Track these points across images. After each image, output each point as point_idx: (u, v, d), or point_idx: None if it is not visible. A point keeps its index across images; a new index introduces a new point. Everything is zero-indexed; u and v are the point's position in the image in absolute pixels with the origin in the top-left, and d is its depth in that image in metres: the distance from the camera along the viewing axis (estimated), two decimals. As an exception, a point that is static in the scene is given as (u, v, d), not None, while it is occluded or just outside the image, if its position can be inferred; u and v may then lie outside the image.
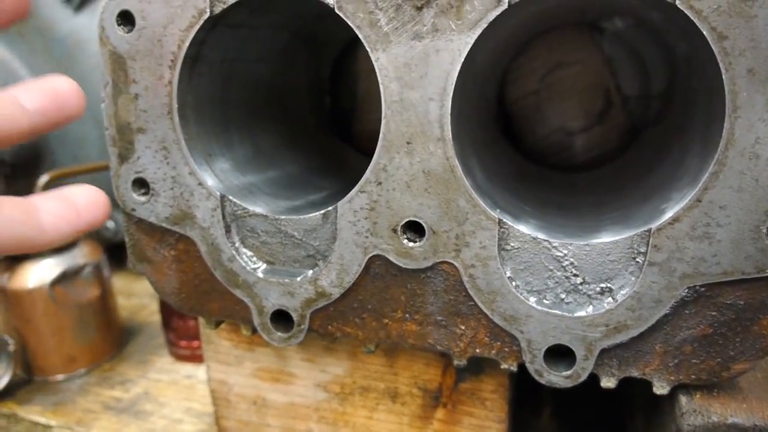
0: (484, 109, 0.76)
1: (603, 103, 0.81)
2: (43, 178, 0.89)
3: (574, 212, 0.60)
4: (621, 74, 0.80)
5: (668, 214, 0.47)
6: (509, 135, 0.86)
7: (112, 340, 0.95)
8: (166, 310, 0.92)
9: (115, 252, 1.04)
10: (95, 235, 1.09)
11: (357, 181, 0.53)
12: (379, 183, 0.52)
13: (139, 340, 1.00)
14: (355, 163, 0.84)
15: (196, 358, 0.92)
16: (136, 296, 1.13)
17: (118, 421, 0.81)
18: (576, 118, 0.83)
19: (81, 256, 0.90)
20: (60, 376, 0.91)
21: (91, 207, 0.48)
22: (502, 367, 0.54)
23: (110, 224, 1.13)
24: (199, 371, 0.91)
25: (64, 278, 0.87)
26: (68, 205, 0.47)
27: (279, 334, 0.59)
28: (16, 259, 0.87)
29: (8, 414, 0.84)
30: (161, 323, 0.94)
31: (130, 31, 0.56)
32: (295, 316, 0.58)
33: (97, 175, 1.05)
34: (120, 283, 1.10)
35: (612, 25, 0.78)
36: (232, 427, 0.74)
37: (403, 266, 0.53)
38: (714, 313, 0.48)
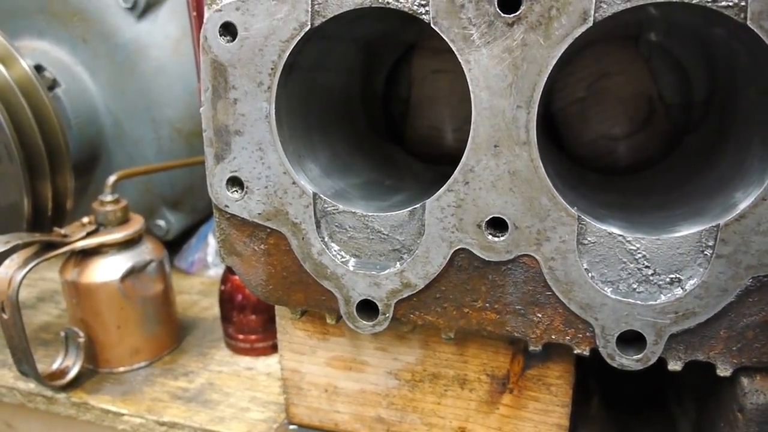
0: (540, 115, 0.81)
1: (646, 111, 0.87)
2: (112, 178, 0.93)
3: (637, 210, 0.65)
4: (663, 83, 0.86)
5: (735, 211, 0.52)
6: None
7: (172, 333, 0.99)
8: (225, 304, 0.96)
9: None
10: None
11: (418, 184, 0.57)
12: (467, 183, 0.57)
13: (196, 334, 1.04)
14: (411, 165, 0.90)
15: (253, 351, 0.97)
16: (186, 293, 1.18)
17: (188, 409, 0.85)
18: (620, 125, 0.88)
19: (147, 252, 0.94)
20: (123, 368, 0.95)
21: None
22: (575, 351, 0.59)
23: (161, 223, 1.18)
24: (258, 363, 0.95)
25: (132, 273, 0.92)
26: None
27: (364, 322, 0.64)
28: (85, 255, 0.92)
29: (79, 402, 0.88)
30: (220, 317, 0.99)
31: (231, 41, 0.61)
32: (380, 305, 0.63)
33: (153, 175, 1.10)
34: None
35: (657, 37, 0.83)
36: (301, 413, 0.78)
37: (487, 259, 0.58)
38: (775, 302, 0.53)
